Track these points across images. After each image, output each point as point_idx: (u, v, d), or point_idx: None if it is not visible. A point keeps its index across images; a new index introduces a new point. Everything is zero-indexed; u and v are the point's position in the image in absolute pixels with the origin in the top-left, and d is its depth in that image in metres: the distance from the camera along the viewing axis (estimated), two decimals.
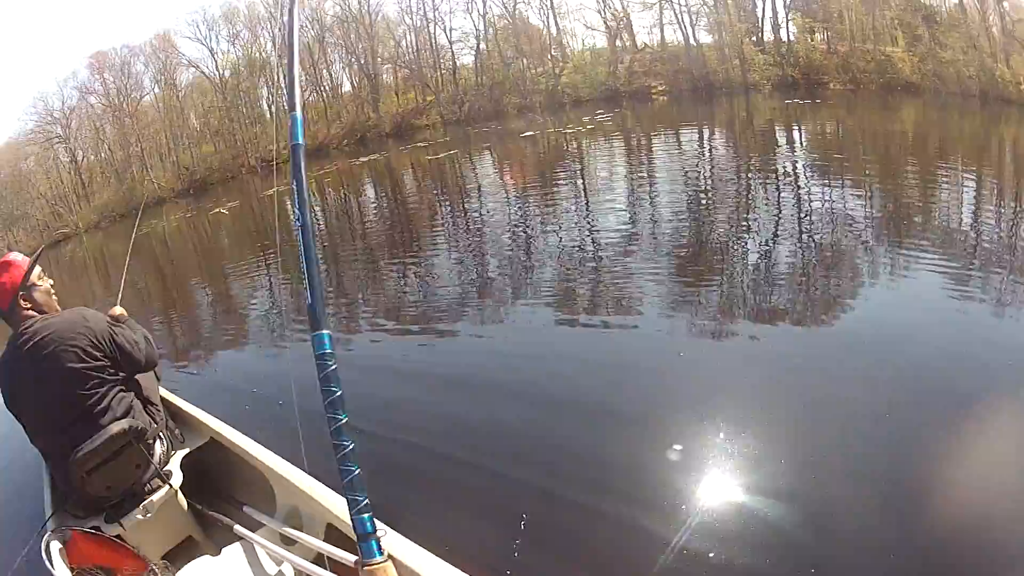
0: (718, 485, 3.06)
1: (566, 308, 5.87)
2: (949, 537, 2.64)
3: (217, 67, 37.13)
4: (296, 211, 1.53)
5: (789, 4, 29.43)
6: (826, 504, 2.90)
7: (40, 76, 72.04)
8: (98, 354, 2.49)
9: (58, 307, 2.72)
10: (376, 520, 1.64)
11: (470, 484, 3.39)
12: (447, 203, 13.45)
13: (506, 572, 2.72)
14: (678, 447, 3.30)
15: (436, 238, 10.29)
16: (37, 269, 2.67)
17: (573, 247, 7.84)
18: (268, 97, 38.21)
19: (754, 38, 29.15)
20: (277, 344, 6.73)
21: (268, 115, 37.78)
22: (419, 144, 26.42)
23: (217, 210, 21.84)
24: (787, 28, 29.26)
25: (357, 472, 1.50)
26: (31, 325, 2.51)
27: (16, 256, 2.66)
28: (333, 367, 1.48)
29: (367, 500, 1.52)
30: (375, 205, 16.09)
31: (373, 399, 4.54)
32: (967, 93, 19.18)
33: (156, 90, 37.00)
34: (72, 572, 2.24)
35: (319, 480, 2.51)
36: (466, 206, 12.51)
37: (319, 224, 15.44)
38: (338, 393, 1.48)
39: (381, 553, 1.58)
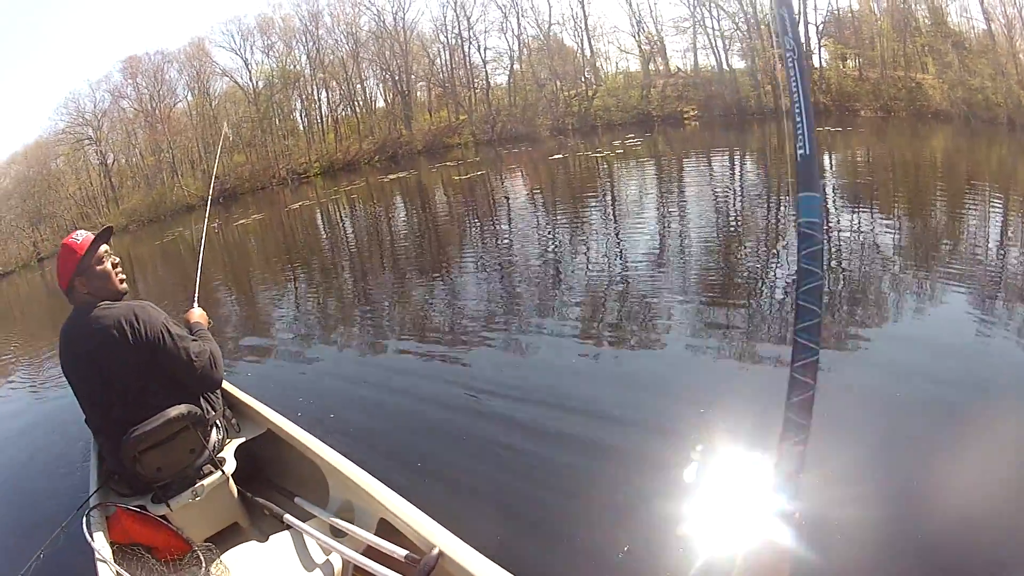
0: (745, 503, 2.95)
1: (601, 328, 5.78)
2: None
3: (251, 78, 37.90)
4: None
5: (821, 30, 29.49)
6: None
7: (73, 76, 73.84)
8: (146, 353, 2.46)
9: (120, 287, 2.64)
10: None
11: (513, 487, 3.31)
12: (475, 222, 13.47)
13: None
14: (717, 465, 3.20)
15: (464, 254, 10.27)
16: (102, 247, 2.62)
17: (604, 267, 7.78)
18: (301, 110, 38.86)
19: None
20: (309, 349, 6.80)
21: (301, 127, 38.36)
22: (449, 163, 26.61)
23: (242, 221, 22.08)
24: (819, 54, 29.33)
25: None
26: (86, 312, 2.50)
27: (77, 237, 2.60)
28: (820, 242, 1.22)
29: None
30: (405, 221, 16.16)
31: (406, 404, 4.54)
32: (995, 120, 18.93)
33: (189, 97, 37.80)
34: (112, 548, 2.21)
35: (375, 476, 2.45)
36: (493, 225, 12.50)
37: (348, 236, 15.55)
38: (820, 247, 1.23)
39: None
